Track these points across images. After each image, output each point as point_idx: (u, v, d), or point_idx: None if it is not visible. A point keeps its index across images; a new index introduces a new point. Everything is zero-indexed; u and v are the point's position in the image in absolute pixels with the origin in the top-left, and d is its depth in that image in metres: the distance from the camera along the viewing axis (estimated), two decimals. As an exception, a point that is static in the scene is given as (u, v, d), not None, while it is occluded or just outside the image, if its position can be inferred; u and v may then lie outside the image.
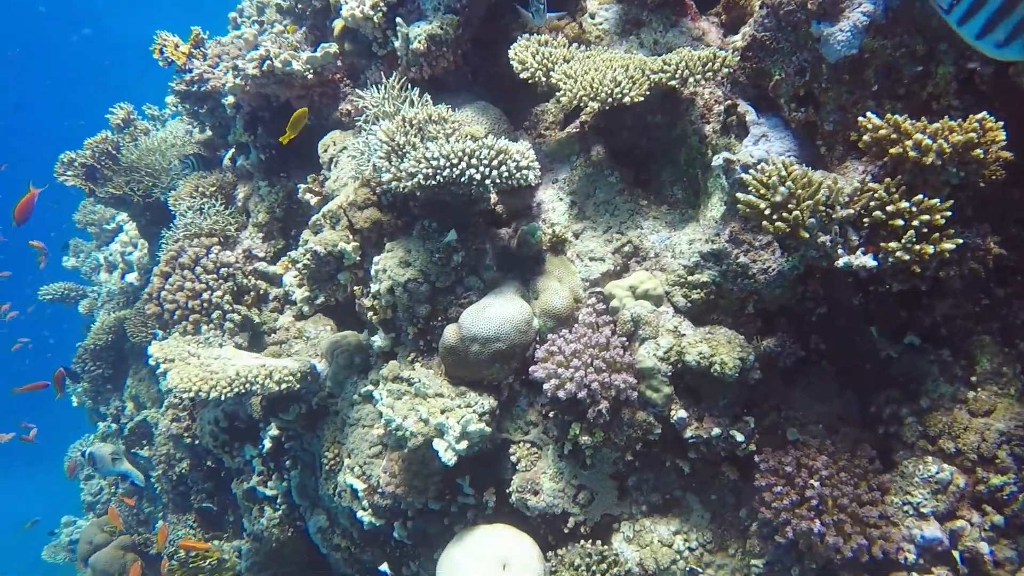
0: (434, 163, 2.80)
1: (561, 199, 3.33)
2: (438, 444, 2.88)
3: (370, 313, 3.23)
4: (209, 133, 5.93)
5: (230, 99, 4.12)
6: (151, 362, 3.24)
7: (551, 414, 3.05)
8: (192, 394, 2.81)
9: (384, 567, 3.42)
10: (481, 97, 3.59)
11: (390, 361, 3.09)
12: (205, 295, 3.77)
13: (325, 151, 3.81)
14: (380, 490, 3.26)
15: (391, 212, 3.20)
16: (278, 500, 4.04)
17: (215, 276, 3.84)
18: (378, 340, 3.31)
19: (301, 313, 4.14)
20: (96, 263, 7.83)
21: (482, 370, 3.02)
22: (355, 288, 3.22)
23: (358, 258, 3.16)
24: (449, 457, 2.87)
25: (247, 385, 2.86)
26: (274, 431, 3.83)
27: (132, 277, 6.94)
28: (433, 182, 2.83)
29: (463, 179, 2.82)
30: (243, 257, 4.04)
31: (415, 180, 2.85)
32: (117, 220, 7.81)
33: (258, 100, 3.97)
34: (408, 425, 2.88)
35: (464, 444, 2.90)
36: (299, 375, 3.10)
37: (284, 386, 2.99)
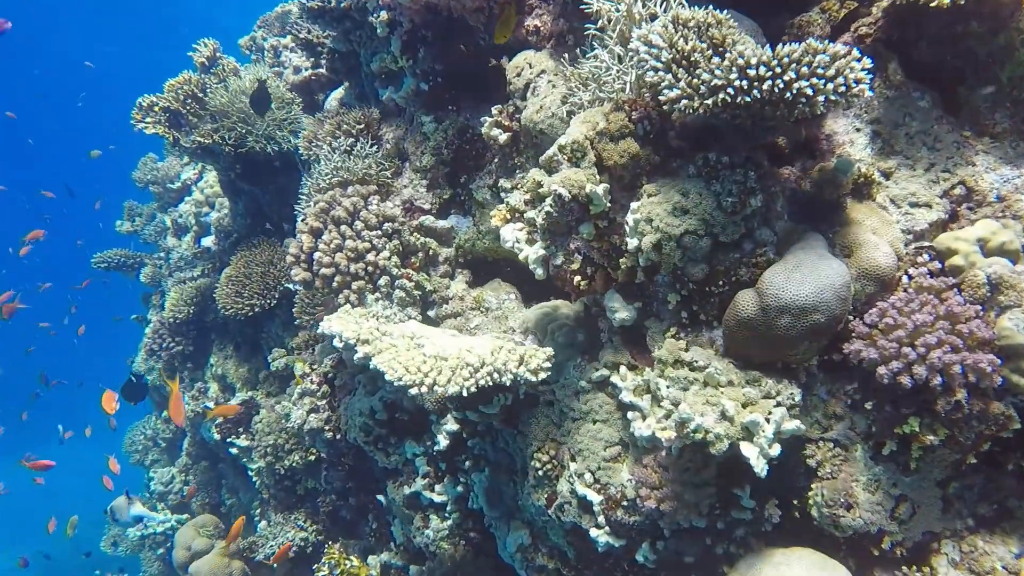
0: (752, 72, 2.10)
1: (858, 129, 2.64)
2: (747, 449, 2.23)
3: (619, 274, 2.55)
4: (318, 70, 5.25)
5: (383, 15, 3.41)
6: (336, 342, 2.59)
7: (869, 405, 2.40)
8: (425, 388, 2.17)
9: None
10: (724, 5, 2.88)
11: (667, 340, 2.42)
12: (370, 256, 3.11)
13: (517, 75, 3.12)
14: (630, 504, 2.62)
15: (649, 145, 2.51)
16: (448, 508, 3.42)
17: (379, 233, 3.17)
18: (619, 311, 2.64)
19: (464, 280, 3.49)
20: (161, 226, 7.18)
21: (786, 349, 2.37)
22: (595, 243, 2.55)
23: (608, 204, 2.48)
24: (761, 466, 2.22)
25: (495, 375, 2.22)
26: (452, 425, 3.19)
27: (209, 241, 6.31)
28: (745, 98, 2.14)
29: (788, 95, 2.12)
30: (403, 210, 3.37)
31: (717, 97, 2.16)
32: (184, 178, 7.15)
33: (423, 15, 3.26)
34: (708, 424, 2.22)
35: (777, 448, 2.25)
36: (554, 361, 2.44)
37: (542, 375, 2.34)
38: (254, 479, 5.27)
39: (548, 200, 2.47)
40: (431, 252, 3.34)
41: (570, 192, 2.47)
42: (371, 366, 2.45)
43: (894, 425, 2.37)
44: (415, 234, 3.32)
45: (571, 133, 2.53)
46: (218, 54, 5.49)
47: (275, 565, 4.65)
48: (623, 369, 2.71)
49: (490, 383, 2.27)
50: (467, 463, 3.32)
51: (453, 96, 3.44)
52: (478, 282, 3.51)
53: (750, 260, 2.44)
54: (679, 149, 2.58)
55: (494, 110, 3.25)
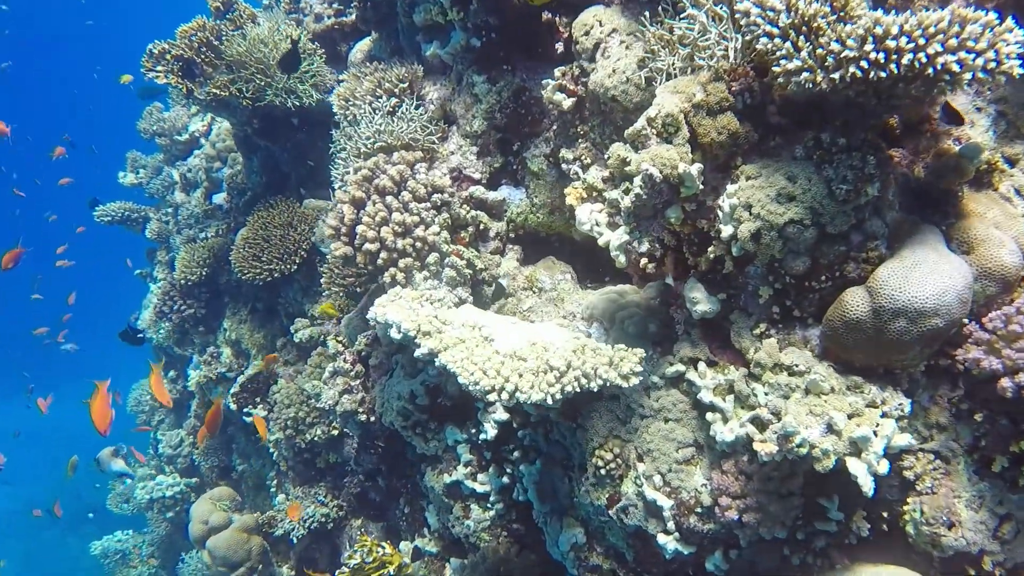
0: (892, 44, 1.84)
1: (980, 109, 2.38)
2: (854, 466, 2.02)
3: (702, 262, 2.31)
4: (342, 19, 4.92)
5: (432, -38, 3.10)
6: (394, 333, 2.35)
7: (979, 416, 2.20)
8: (505, 395, 1.95)
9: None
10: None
11: (764, 341, 2.20)
12: (418, 231, 2.86)
13: (585, 34, 2.83)
14: (705, 511, 2.42)
15: (747, 121, 2.25)
16: (491, 498, 3.22)
17: (427, 205, 2.91)
18: (700, 302, 2.40)
19: (518, 257, 3.25)
20: (169, 180, 6.86)
21: (895, 354, 2.16)
22: (679, 227, 2.30)
23: (700, 186, 2.22)
24: (870, 485, 2.01)
25: (583, 381, 1.98)
26: (502, 414, 2.97)
27: (221, 198, 6.03)
28: (880, 73, 1.88)
29: (931, 70, 1.86)
30: (451, 179, 3.11)
31: (846, 71, 1.89)
32: (192, 130, 6.82)
33: (478, -38, 2.96)
34: (814, 439, 2.01)
35: (886, 465, 2.05)
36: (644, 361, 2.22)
37: (633, 381, 2.12)
38: (271, 449, 5.07)
39: (637, 180, 2.22)
40: (482, 227, 3.09)
41: (661, 172, 2.21)
42: (438, 363, 2.22)
43: (1010, 441, 2.16)
44: (464, 206, 3.06)
45: (662, 104, 2.26)
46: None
47: (292, 520, 4.46)
48: (702, 366, 2.49)
49: (577, 389, 2.05)
50: (515, 454, 3.11)
51: (508, 54, 3.15)
52: (529, 259, 3.27)
53: (859, 255, 2.20)
54: (779, 126, 2.32)
55: (557, 72, 2.97)
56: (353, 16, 5.13)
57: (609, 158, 2.37)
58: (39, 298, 12.20)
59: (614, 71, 2.77)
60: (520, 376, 2.05)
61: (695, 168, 2.24)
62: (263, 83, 4.78)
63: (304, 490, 4.86)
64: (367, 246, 2.83)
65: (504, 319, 2.69)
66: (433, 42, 3.41)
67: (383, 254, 2.83)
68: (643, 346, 2.69)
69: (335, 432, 4.56)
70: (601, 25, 2.86)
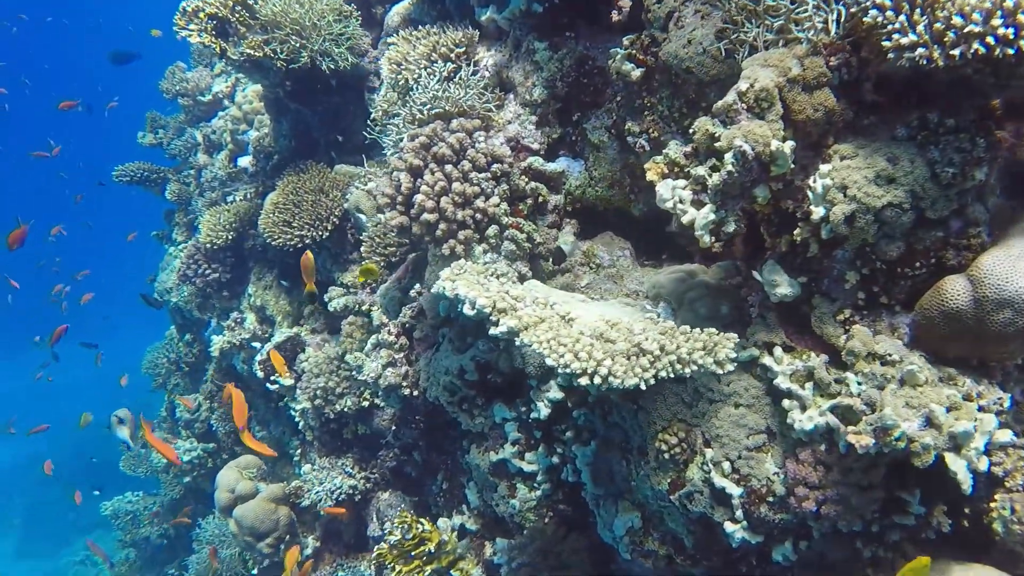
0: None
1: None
2: (953, 462, 1.95)
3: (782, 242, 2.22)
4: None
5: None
6: (466, 309, 2.26)
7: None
8: (598, 378, 1.87)
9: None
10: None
11: (856, 329, 2.11)
12: (479, 202, 2.75)
13: (658, 2, 2.70)
14: (778, 500, 2.35)
15: (842, 97, 2.14)
16: (538, 478, 3.16)
17: (488, 175, 2.81)
18: (780, 285, 2.31)
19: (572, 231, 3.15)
20: (192, 141, 6.73)
21: (995, 347, 2.09)
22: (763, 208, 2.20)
23: (792, 165, 2.12)
24: (969, 483, 1.94)
25: (677, 366, 1.89)
26: (556, 393, 2.90)
27: (246, 161, 5.91)
28: (1008, 50, 1.77)
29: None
30: (509, 149, 3.00)
31: (968, 47, 1.78)
32: (215, 91, 6.67)
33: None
34: (913, 432, 1.93)
35: (986, 462, 1.96)
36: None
37: (728, 367, 2.03)
38: (296, 419, 5.01)
39: (728, 156, 2.11)
40: (540, 199, 2.98)
41: (753, 148, 2.10)
42: (518, 342, 2.13)
43: (1106, 438, 2.08)
44: (522, 177, 2.96)
45: (756, 78, 2.15)
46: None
47: (322, 512, 4.43)
48: (778, 351, 2.41)
49: (670, 375, 1.96)
50: (568, 434, 3.04)
51: (571, 21, 3.02)
52: (585, 234, 3.17)
53: (959, 241, 2.11)
54: (873, 104, 2.21)
55: (626, 41, 2.84)
56: (392, -23, 4.98)
57: (695, 133, 2.26)
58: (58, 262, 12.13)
59: (689, 41, 2.65)
60: (612, 359, 1.96)
61: (788, 146, 2.13)
62: (298, 44, 4.64)
63: (331, 460, 4.81)
64: (425, 216, 2.73)
65: (571, 296, 2.61)
66: (489, 6, 3.28)
67: (442, 225, 2.73)
68: (715, 327, 2.61)
69: (365, 403, 4.50)
70: (675, -9, 2.74)
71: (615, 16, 3.12)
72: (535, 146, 3.09)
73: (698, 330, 2.12)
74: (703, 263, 2.98)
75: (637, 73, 2.81)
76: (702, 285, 2.64)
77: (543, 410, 2.99)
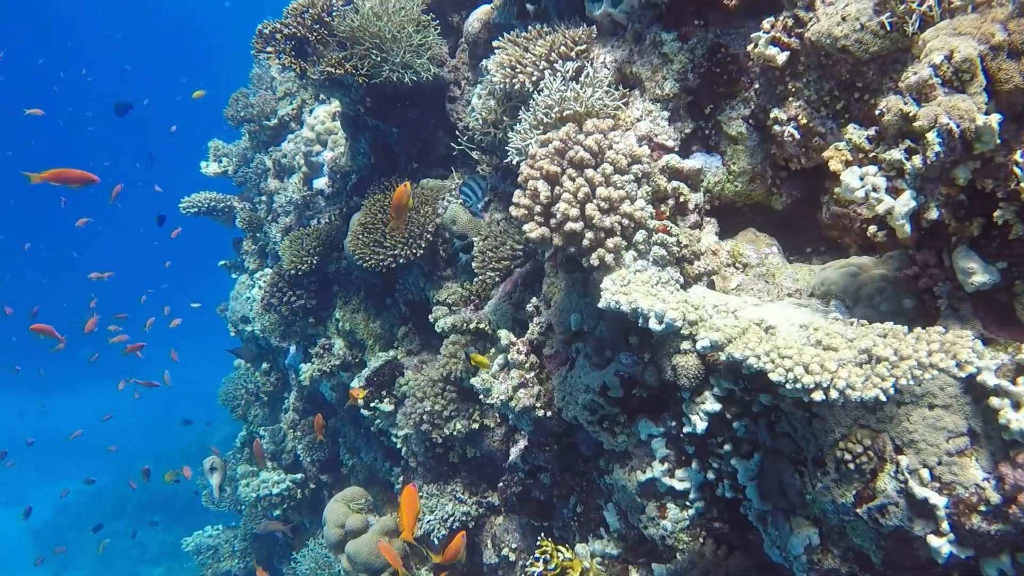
0: None
1: None
2: None
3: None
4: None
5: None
6: (653, 323, 2.12)
7: None
8: (835, 392, 1.72)
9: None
10: None
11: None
12: (624, 206, 2.62)
13: (805, -21, 2.55)
14: (992, 509, 2.16)
15: (1053, 62, 1.96)
16: (691, 496, 3.00)
17: (630, 177, 2.67)
18: (976, 272, 2.14)
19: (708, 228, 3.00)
20: (261, 168, 6.71)
21: None
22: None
23: (997, 140, 1.95)
24: None
25: (918, 372, 1.74)
26: (713, 405, 2.75)
27: (322, 183, 5.86)
28: None
29: None
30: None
31: None
32: (281, 114, 6.65)
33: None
34: None
35: None
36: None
37: (969, 370, 1.86)
38: (398, 445, 4.91)
39: (931, 136, 1.95)
40: (681, 199, 2.84)
41: (956, 123, 1.94)
42: (726, 357, 1.98)
43: None
44: (661, 177, 2.82)
45: (954, 48, 1.99)
46: (341, -30, 4.90)
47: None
48: (978, 344, 2.22)
49: (910, 382, 1.80)
50: (726, 447, 2.88)
51: (699, 7, 2.88)
52: (724, 232, 3.02)
53: None
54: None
55: (766, 24, 2.69)
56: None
57: (884, 114, 2.10)
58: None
59: (844, 18, 2.49)
60: (844, 369, 1.81)
61: (995, 119, 1.96)
62: (379, 59, 4.57)
63: (438, 487, 4.70)
64: (569, 225, 2.60)
65: (741, 300, 2.46)
66: (602, 1, 3.15)
67: (589, 234, 2.60)
68: (899, 324, 2.44)
69: (475, 425, 4.39)
70: (821, -34, 2.58)
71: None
72: (670, 143, 2.94)
73: (929, 330, 1.95)
74: (861, 255, 2.81)
75: (783, 57, 2.66)
76: (879, 279, 2.47)
77: (699, 424, 2.83)
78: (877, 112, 2.14)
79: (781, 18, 2.71)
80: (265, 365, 7.29)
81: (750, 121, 2.90)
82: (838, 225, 2.82)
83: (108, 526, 14.38)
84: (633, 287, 2.34)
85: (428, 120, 5.07)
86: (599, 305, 2.42)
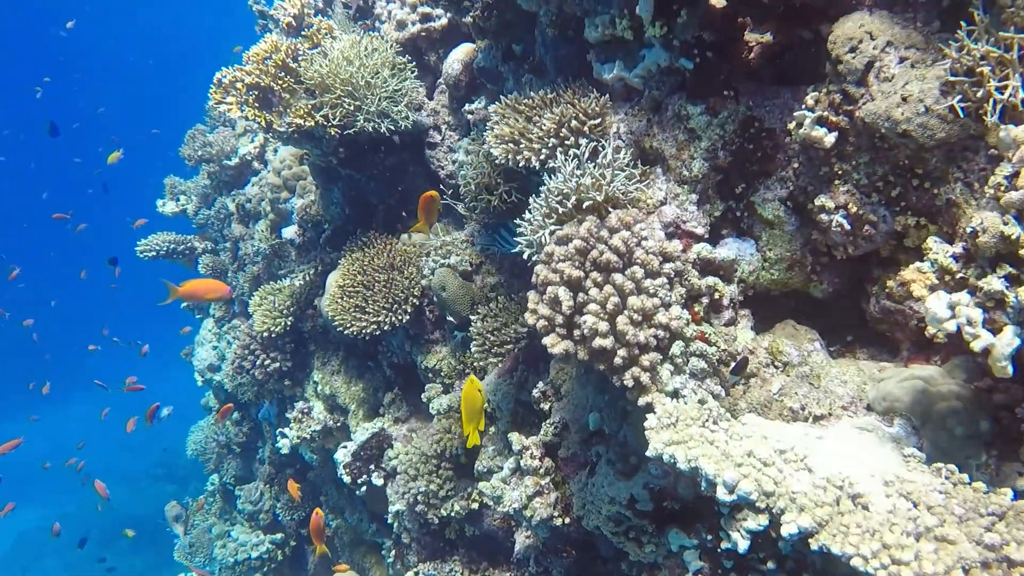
0: None
1: None
2: None
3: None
4: (430, 24, 4.34)
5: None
6: (720, 493, 1.83)
7: None
8: None
9: None
10: None
11: None
12: (659, 316, 2.30)
13: (851, 50, 2.26)
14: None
15: None
16: (729, 612, 2.69)
17: (663, 281, 2.35)
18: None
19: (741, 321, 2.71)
20: (223, 212, 6.26)
21: None
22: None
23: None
24: None
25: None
26: (759, 522, 2.43)
27: (292, 231, 5.45)
28: None
29: None
30: (674, 238, 2.54)
31: None
32: (242, 153, 6.20)
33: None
34: None
35: None
36: None
37: None
38: (389, 520, 4.56)
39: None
40: (716, 295, 2.52)
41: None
42: (816, 547, 1.68)
43: None
44: (693, 272, 2.50)
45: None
46: (307, 10, 4.50)
47: None
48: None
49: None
50: (769, 564, 2.58)
51: (728, 77, 2.56)
52: (760, 326, 2.72)
53: None
54: None
55: (810, 100, 2.38)
56: (444, 21, 4.52)
57: (979, 233, 1.80)
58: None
59: (904, 99, 2.19)
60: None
61: (1119, 246, 1.67)
62: (352, 107, 4.17)
63: (435, 566, 4.36)
64: (598, 342, 2.27)
65: (801, 431, 2.15)
66: (614, 62, 2.80)
67: (621, 351, 2.27)
68: (973, 451, 2.16)
69: (475, 505, 4.06)
70: (872, 39, 2.28)
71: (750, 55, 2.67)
72: (699, 230, 2.63)
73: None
74: (915, 356, 2.52)
75: (831, 139, 2.35)
76: (951, 396, 2.18)
77: (741, 543, 2.52)
78: (968, 230, 1.84)
79: (825, 92, 2.40)
80: (236, 415, 6.86)
81: (788, 203, 2.59)
82: (889, 320, 2.53)
83: (72, 554, 13.79)
84: (683, 429, 2.02)
85: (407, 168, 4.69)
86: (647, 454, 2.09)
